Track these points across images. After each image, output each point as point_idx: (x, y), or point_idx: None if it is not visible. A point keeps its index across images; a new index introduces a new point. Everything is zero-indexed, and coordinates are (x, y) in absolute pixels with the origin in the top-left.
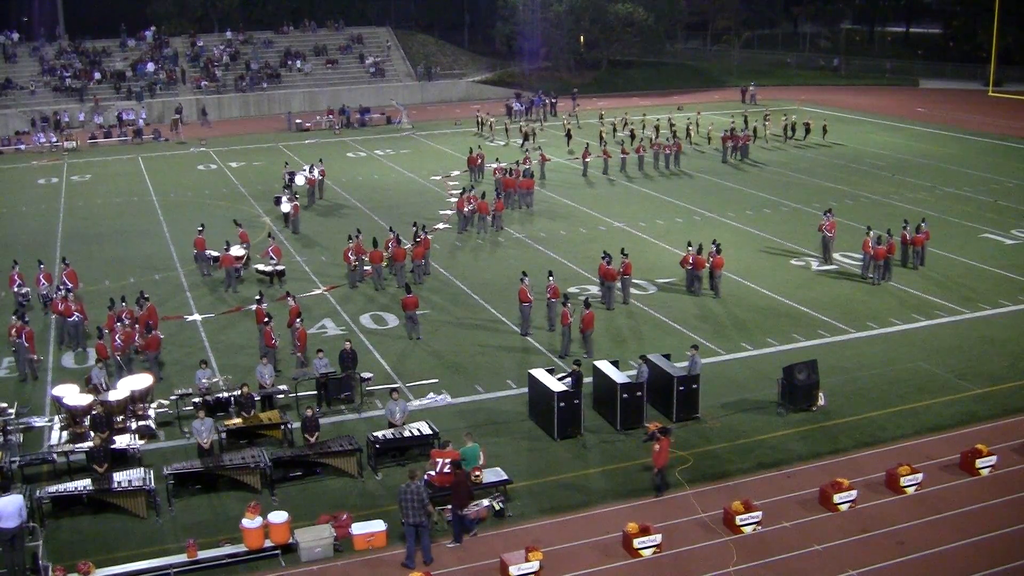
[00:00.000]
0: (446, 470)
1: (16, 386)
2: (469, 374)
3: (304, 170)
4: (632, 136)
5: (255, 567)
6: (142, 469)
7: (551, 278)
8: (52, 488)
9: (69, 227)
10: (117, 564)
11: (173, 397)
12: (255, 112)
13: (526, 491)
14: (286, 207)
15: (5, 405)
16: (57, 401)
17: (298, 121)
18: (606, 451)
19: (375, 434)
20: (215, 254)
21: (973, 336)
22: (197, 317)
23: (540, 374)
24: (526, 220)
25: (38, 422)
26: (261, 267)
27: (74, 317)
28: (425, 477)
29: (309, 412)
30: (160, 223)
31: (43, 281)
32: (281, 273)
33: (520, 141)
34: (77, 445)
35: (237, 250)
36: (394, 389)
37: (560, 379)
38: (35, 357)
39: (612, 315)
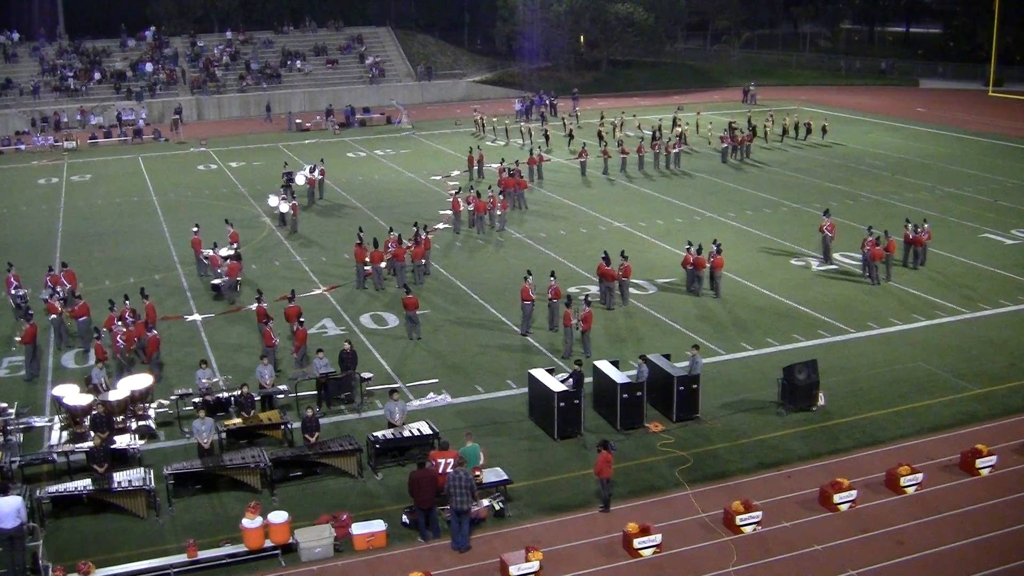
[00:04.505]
0: (448, 470)
1: (20, 386)
2: (469, 374)
3: (304, 170)
4: (619, 141)
5: (255, 567)
6: (142, 469)
7: (553, 279)
8: (52, 488)
9: (69, 227)
10: (117, 564)
11: (173, 397)
12: (255, 112)
13: (526, 491)
14: (273, 201)
15: (5, 405)
16: (57, 401)
17: (298, 121)
18: None
19: (375, 434)
20: (210, 253)
21: (973, 336)
22: (197, 317)
23: (540, 374)
24: (526, 220)
25: (38, 422)
26: (215, 281)
27: (84, 318)
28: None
29: (309, 412)
30: (160, 223)
31: (49, 284)
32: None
33: (520, 142)
34: (77, 445)
35: (225, 251)
36: (394, 390)
37: (562, 380)
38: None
39: (612, 315)
